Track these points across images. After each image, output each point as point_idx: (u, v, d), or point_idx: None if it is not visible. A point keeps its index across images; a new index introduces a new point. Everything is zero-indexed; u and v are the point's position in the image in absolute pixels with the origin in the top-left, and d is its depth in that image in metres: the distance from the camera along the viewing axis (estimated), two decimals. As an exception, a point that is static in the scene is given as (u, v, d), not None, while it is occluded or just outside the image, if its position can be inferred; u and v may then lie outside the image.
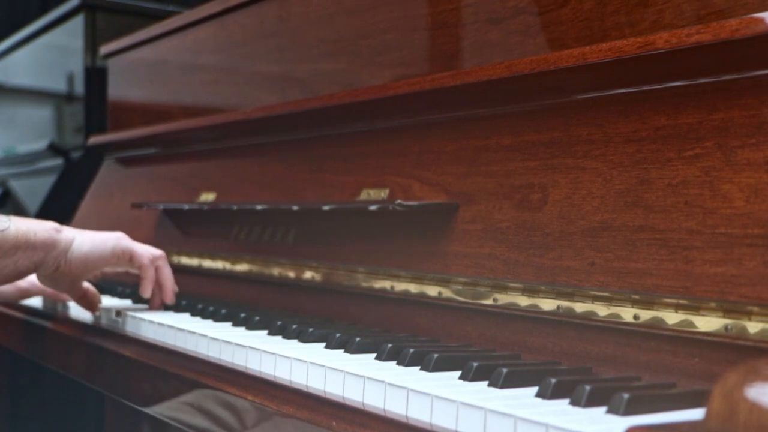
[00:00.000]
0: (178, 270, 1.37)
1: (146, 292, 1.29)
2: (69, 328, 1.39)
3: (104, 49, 2.08)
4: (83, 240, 1.24)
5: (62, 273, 1.23)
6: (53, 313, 1.49)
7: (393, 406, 0.77)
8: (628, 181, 0.86)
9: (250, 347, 0.98)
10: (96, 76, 2.20)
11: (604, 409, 0.67)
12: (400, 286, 1.08)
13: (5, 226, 1.17)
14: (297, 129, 1.39)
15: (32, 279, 1.38)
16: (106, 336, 1.28)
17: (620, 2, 0.95)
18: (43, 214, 2.10)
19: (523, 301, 0.92)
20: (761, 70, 0.78)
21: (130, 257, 1.27)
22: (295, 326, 1.05)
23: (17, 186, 2.50)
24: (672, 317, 0.78)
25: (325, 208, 1.15)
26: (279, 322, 1.09)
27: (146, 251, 1.28)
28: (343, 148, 1.27)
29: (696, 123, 0.82)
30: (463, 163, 1.05)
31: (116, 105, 2.08)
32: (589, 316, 0.85)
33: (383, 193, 1.14)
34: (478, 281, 0.97)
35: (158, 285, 1.31)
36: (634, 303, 0.81)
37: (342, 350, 0.95)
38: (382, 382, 0.79)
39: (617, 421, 0.64)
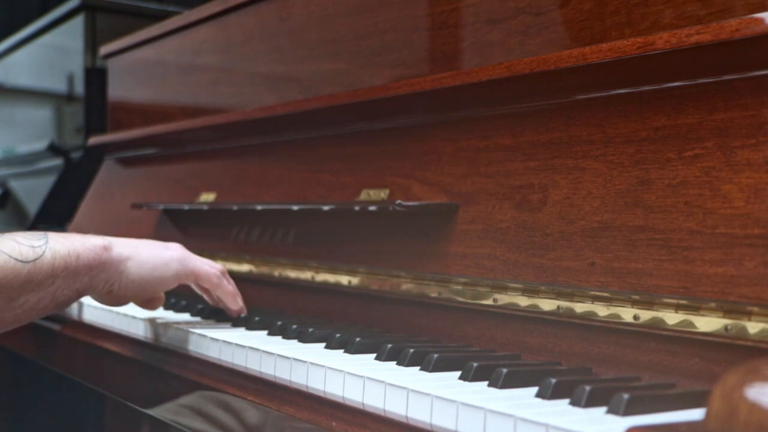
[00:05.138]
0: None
1: (233, 305, 1.16)
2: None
3: (104, 50, 2.08)
4: (141, 261, 1.09)
5: (115, 296, 1.10)
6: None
7: (393, 406, 0.77)
8: (628, 181, 0.86)
9: (250, 347, 0.98)
10: (96, 77, 2.20)
11: (604, 409, 0.67)
12: (400, 287, 1.08)
13: (40, 252, 0.99)
14: (297, 129, 1.39)
15: None
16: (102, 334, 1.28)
17: (620, 2, 0.95)
18: (43, 214, 2.10)
19: (523, 301, 0.92)
20: (761, 70, 0.78)
21: (194, 279, 1.14)
22: (295, 326, 1.05)
23: (17, 186, 2.50)
24: (672, 317, 0.78)
25: (325, 208, 1.15)
26: (279, 322, 1.09)
27: (211, 270, 1.14)
28: (343, 148, 1.27)
29: (696, 123, 0.82)
30: (463, 164, 1.05)
31: (116, 105, 2.08)
32: (589, 316, 0.85)
33: (383, 194, 1.14)
34: (478, 281, 0.97)
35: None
36: (634, 303, 0.81)
37: (342, 350, 0.95)
38: (382, 382, 0.79)
39: (617, 421, 0.64)
